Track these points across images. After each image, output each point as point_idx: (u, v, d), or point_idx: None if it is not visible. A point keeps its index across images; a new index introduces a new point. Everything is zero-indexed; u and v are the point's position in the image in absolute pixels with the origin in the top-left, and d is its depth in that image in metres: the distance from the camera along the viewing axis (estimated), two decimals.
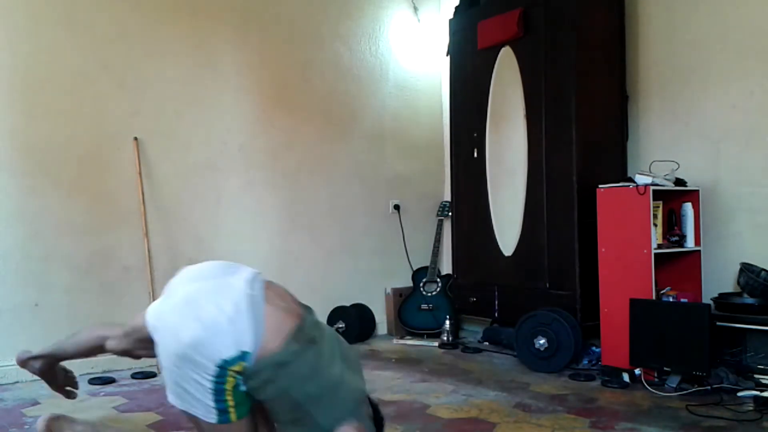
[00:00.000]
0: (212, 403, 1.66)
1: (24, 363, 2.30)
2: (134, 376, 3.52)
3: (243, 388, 1.68)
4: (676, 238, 3.43)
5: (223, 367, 1.61)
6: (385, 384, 3.28)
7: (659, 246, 3.37)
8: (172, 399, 1.73)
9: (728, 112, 3.53)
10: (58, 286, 3.56)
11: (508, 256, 4.06)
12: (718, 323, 3.08)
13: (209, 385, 1.63)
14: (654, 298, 3.23)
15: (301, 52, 4.50)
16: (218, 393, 1.64)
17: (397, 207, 4.91)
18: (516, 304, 3.95)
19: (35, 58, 3.55)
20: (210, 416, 1.68)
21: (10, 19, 3.49)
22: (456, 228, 4.48)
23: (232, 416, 1.68)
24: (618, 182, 3.43)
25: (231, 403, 1.67)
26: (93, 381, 3.42)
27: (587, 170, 3.66)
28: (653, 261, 3.22)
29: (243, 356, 1.62)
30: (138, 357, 2.07)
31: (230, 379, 1.64)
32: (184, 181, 4.02)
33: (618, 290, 3.32)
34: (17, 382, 3.41)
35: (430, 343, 4.35)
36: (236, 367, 1.63)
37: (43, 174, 3.55)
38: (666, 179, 3.40)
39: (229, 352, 1.62)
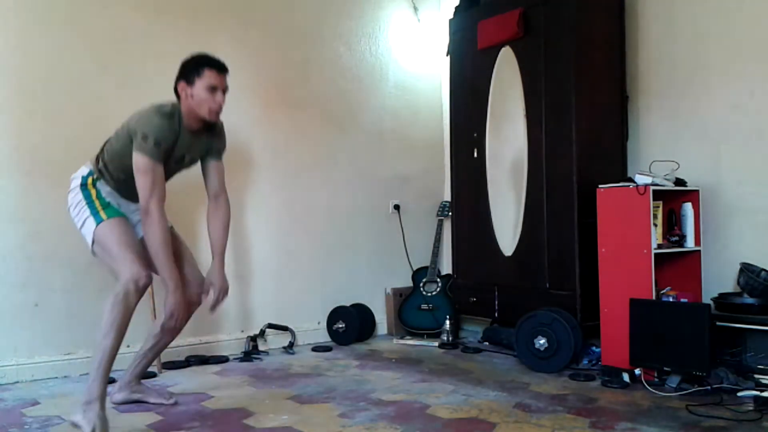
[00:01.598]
0: (89, 211, 2.73)
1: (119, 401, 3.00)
2: None
3: (103, 196, 2.81)
4: (676, 238, 3.43)
5: (82, 182, 2.82)
6: (385, 384, 3.27)
7: (659, 246, 3.37)
8: (84, 234, 2.76)
9: (728, 112, 3.53)
10: (58, 286, 3.56)
11: (508, 256, 4.06)
12: (718, 323, 3.08)
13: (80, 196, 2.79)
14: (654, 298, 3.23)
15: (301, 52, 4.50)
16: (89, 202, 2.76)
17: (397, 207, 4.92)
18: (516, 304, 3.95)
19: (35, 59, 3.55)
20: (90, 224, 2.70)
21: (10, 19, 3.49)
22: (456, 228, 4.48)
23: (103, 215, 2.71)
24: (618, 182, 3.43)
25: (98, 206, 2.74)
26: None
27: (587, 170, 3.66)
28: (653, 261, 3.22)
29: (88, 174, 2.85)
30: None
31: (90, 186, 2.81)
32: (184, 181, 4.01)
33: (618, 290, 3.32)
34: (17, 382, 3.40)
35: (430, 343, 4.35)
36: (89, 179, 2.82)
37: (43, 174, 3.55)
38: (666, 179, 3.40)
39: (81, 177, 2.86)
